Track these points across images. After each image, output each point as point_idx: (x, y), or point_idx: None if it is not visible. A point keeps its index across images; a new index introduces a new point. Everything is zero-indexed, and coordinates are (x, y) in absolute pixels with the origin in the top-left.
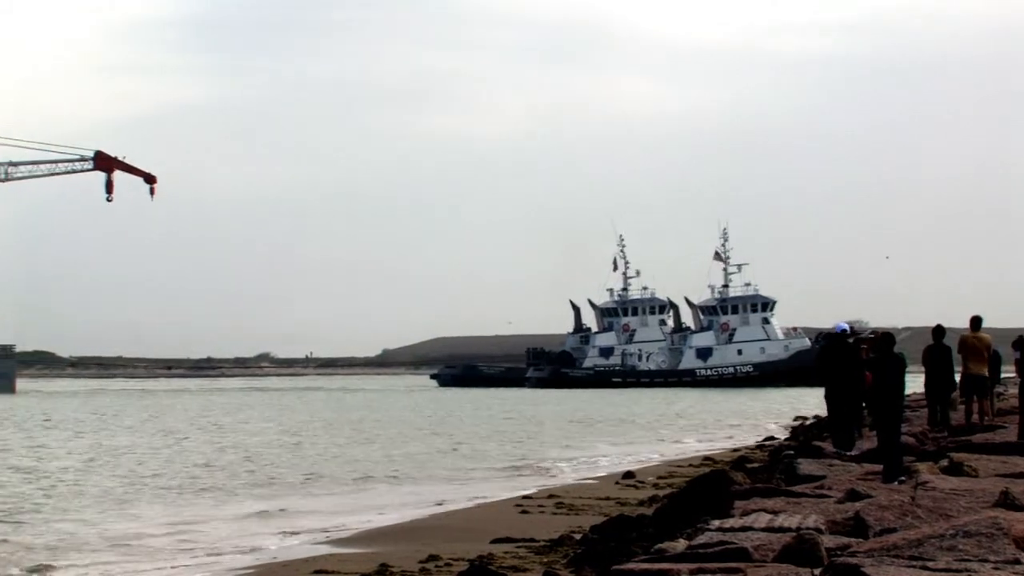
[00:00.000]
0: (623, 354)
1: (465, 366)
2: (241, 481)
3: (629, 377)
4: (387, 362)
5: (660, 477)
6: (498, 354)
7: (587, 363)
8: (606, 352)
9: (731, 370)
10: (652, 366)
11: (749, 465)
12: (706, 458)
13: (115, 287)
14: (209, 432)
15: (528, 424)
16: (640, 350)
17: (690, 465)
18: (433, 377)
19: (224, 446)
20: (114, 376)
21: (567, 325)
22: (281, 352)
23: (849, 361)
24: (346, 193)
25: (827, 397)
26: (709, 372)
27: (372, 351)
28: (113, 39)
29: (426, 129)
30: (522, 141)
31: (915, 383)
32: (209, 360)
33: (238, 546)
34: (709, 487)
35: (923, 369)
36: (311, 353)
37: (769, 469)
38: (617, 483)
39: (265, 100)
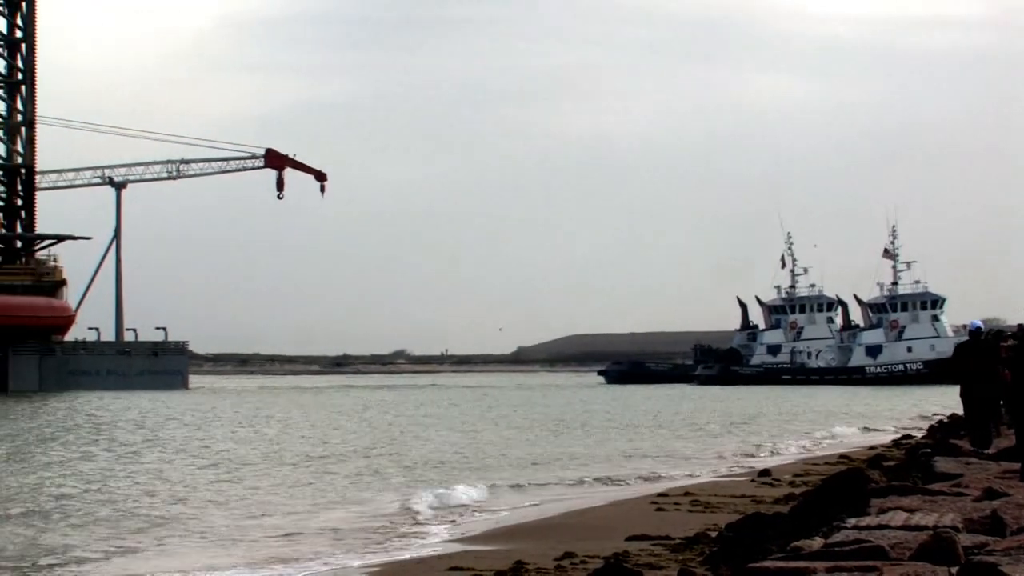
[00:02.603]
0: (792, 351)
1: (632, 363)
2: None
3: (799, 375)
4: (521, 359)
5: (796, 475)
6: (636, 352)
7: (754, 360)
8: (773, 349)
9: (901, 367)
10: (822, 363)
11: (886, 463)
12: (842, 456)
13: (249, 284)
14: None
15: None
16: (810, 347)
17: (826, 463)
18: (600, 374)
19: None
20: (252, 373)
21: (706, 322)
22: (416, 349)
23: (986, 359)
24: (482, 191)
25: (963, 395)
26: (879, 370)
27: (507, 348)
28: (242, 37)
29: (562, 127)
30: (664, 139)
31: None
32: (346, 357)
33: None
34: (845, 485)
35: None
36: (446, 350)
37: (906, 467)
38: (753, 481)
39: (399, 98)
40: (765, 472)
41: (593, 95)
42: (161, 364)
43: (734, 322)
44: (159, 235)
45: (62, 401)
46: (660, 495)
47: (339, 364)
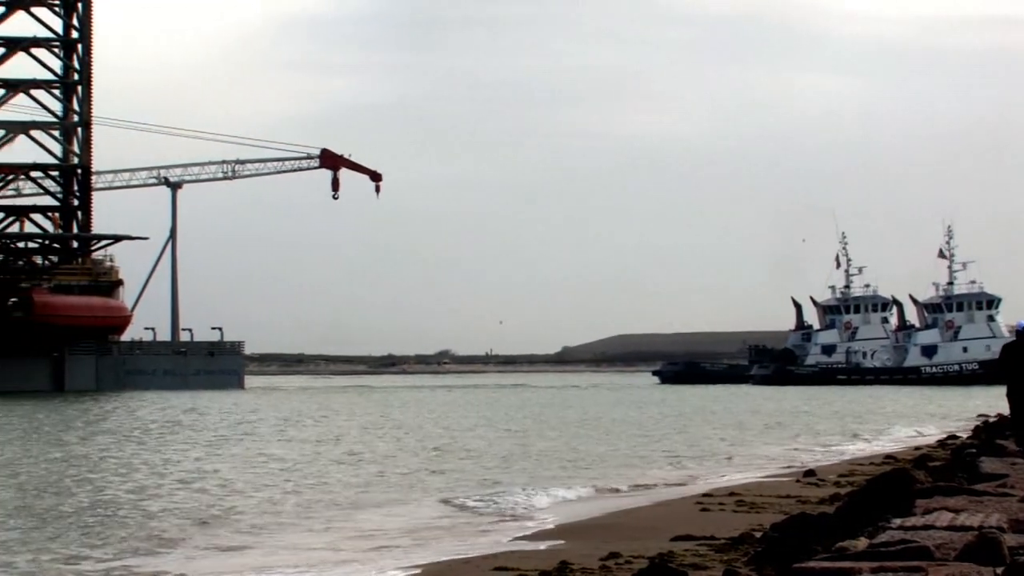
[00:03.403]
0: (847, 351)
1: (687, 363)
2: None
3: (854, 375)
4: (566, 359)
5: (841, 475)
6: (681, 353)
7: (809, 360)
8: (828, 350)
9: (956, 368)
10: (877, 363)
11: (931, 463)
12: (888, 456)
13: (296, 284)
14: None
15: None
16: (865, 348)
17: (871, 463)
18: (655, 374)
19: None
20: (297, 373)
21: (750, 322)
22: (461, 349)
23: None
24: (526, 191)
25: (1009, 395)
26: (934, 370)
27: (551, 349)
28: (286, 36)
29: (606, 127)
30: (708, 139)
31: None
32: (391, 356)
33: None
34: (890, 486)
35: None
36: (491, 350)
37: (951, 468)
38: (798, 481)
39: (442, 98)
40: (810, 472)
41: (635, 95)
42: (217, 364)
43: (780, 322)
44: (211, 234)
45: (169, 400)
46: (705, 495)
47: (384, 364)
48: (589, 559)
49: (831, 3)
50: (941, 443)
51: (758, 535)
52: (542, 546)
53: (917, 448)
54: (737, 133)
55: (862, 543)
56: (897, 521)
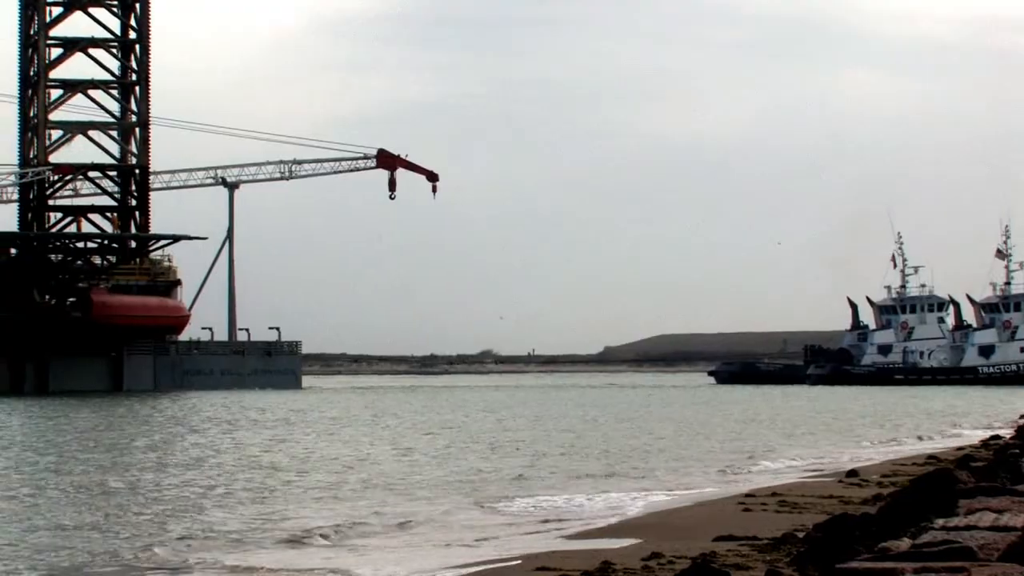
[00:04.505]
0: (904, 351)
1: (743, 363)
2: None
3: (911, 374)
4: (608, 359)
5: (884, 476)
6: (724, 352)
7: (865, 360)
8: (884, 349)
9: (1014, 367)
10: (934, 363)
11: (974, 464)
12: (930, 456)
13: (335, 283)
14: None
15: None
16: (922, 347)
17: (914, 464)
18: (711, 374)
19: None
20: (339, 373)
21: (795, 322)
22: (502, 349)
23: None
24: (569, 192)
25: None
26: (992, 370)
27: (593, 348)
28: (331, 36)
29: (654, 127)
30: (757, 139)
31: None
32: (433, 357)
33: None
34: (933, 486)
35: None
36: (533, 350)
37: (994, 468)
38: (840, 481)
39: (489, 98)
40: (853, 473)
41: (682, 95)
42: (274, 364)
43: (826, 321)
44: (267, 234)
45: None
46: (747, 495)
47: (426, 364)
48: (631, 559)
49: (885, 4)
50: (984, 443)
51: (800, 535)
52: (584, 546)
53: (960, 448)
54: (784, 133)
55: (905, 543)
56: (940, 521)
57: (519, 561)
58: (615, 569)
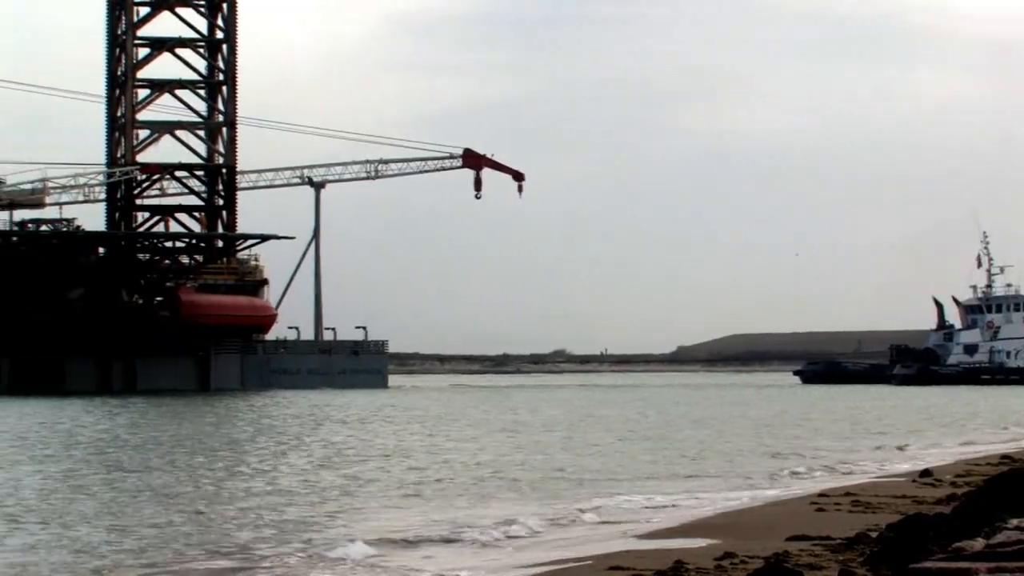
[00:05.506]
0: (990, 351)
1: (828, 363)
2: None
3: (998, 374)
4: (681, 359)
5: (958, 475)
6: (797, 352)
7: (951, 360)
8: (970, 349)
9: None
10: (1021, 363)
11: None
12: (1004, 456)
13: (416, 282)
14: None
15: None
16: (1008, 347)
17: (988, 463)
18: (796, 374)
19: None
20: (412, 372)
21: (868, 322)
22: (575, 349)
23: None
24: (640, 190)
25: None
26: None
27: (666, 348)
28: (406, 36)
29: (724, 125)
30: (825, 138)
31: None
32: (505, 356)
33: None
34: (1008, 486)
35: None
36: (606, 350)
37: None
38: (914, 481)
39: (557, 98)
40: (926, 472)
41: (751, 94)
42: (362, 363)
43: (898, 321)
44: (352, 234)
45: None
46: (821, 495)
47: (499, 364)
48: (704, 559)
49: (947, 3)
50: None
51: (874, 535)
52: (657, 545)
53: None
54: (859, 132)
55: (979, 544)
56: (1014, 521)
57: (591, 561)
58: (688, 568)
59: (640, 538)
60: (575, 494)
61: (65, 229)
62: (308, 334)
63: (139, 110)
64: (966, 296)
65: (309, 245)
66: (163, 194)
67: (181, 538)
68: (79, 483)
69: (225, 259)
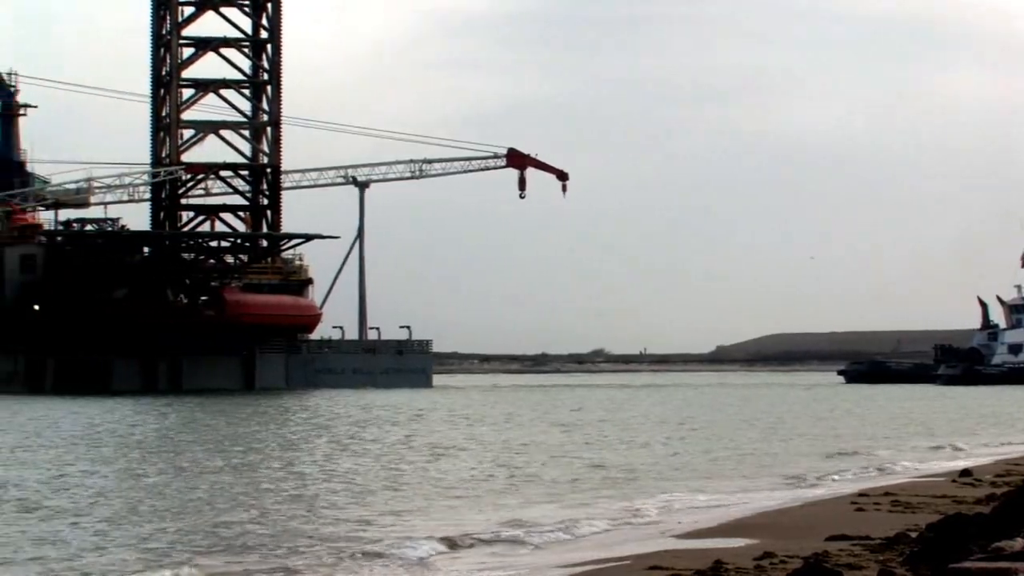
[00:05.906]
0: None
1: (872, 362)
2: None
3: None
4: (720, 358)
5: (998, 475)
6: (836, 351)
7: (995, 360)
8: (1015, 349)
9: None
10: None
11: None
12: None
13: (458, 282)
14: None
15: None
16: None
17: None
18: (840, 373)
19: None
20: (452, 371)
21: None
22: (614, 348)
23: None
24: (680, 190)
25: None
26: None
27: (705, 348)
28: (446, 35)
29: (763, 125)
30: (869, 138)
31: None
32: (544, 355)
33: None
34: None
35: None
36: (645, 349)
37: None
38: (954, 481)
39: (599, 97)
40: (966, 472)
41: (792, 93)
42: (406, 363)
43: (935, 321)
44: (396, 233)
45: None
46: (860, 495)
47: (538, 363)
48: (743, 558)
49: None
50: None
51: (914, 535)
52: (696, 545)
53: None
54: (901, 131)
55: (1019, 543)
56: None
57: (630, 561)
58: (727, 568)
59: (679, 538)
60: (612, 493)
61: (110, 229)
62: (352, 333)
63: (184, 110)
64: (1011, 295)
65: (353, 245)
66: (208, 194)
67: (265, 537)
68: (152, 480)
69: (270, 259)
